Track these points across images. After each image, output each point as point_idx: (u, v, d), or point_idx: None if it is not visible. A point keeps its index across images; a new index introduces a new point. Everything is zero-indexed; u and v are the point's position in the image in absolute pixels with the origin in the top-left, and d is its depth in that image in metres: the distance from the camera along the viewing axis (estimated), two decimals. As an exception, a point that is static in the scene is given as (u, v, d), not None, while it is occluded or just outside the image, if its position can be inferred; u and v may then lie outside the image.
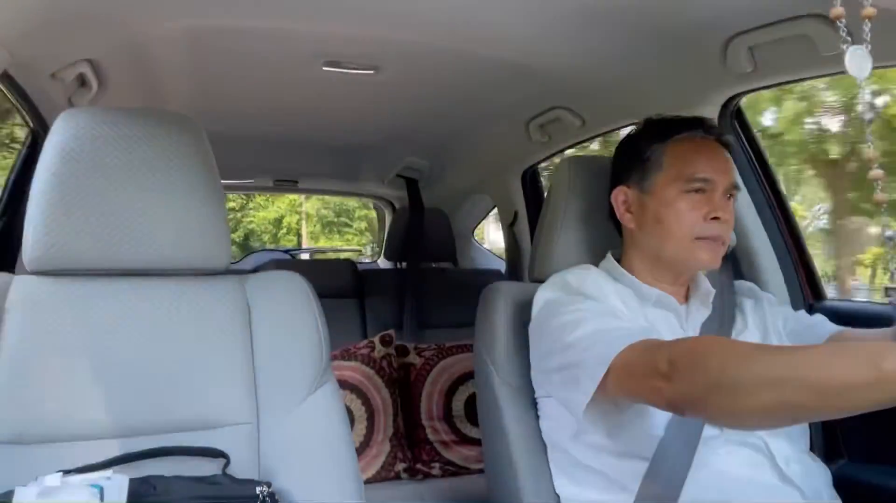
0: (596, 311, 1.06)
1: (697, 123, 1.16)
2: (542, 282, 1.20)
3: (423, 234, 2.58)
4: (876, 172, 0.49)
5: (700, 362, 0.82)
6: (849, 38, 0.51)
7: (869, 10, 0.50)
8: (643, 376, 0.88)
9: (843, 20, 0.50)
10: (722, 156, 1.14)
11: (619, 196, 1.19)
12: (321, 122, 2.17)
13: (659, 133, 1.16)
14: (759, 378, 0.73)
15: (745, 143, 1.52)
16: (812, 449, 1.13)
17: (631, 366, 0.91)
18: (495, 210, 2.76)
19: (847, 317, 1.20)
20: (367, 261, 4.11)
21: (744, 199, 1.49)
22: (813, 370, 0.69)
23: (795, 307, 1.39)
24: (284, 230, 13.57)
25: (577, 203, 1.28)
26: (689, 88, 1.40)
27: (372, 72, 1.60)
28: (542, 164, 2.41)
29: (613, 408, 1.02)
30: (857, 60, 0.51)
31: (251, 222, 14.48)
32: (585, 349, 0.99)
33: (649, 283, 1.15)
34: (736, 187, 1.14)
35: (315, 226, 13.31)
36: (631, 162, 1.18)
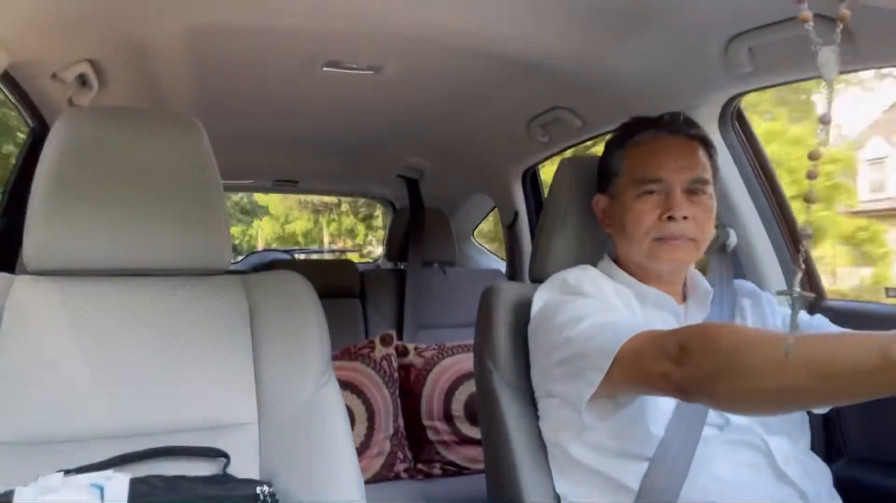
0: (596, 307, 1.06)
1: (656, 122, 1.16)
2: (541, 282, 1.20)
3: (424, 234, 2.59)
4: (812, 171, 0.50)
5: (710, 346, 0.82)
6: (819, 40, 0.51)
7: (844, 13, 0.50)
8: (652, 361, 0.88)
9: (812, 24, 0.51)
10: (681, 152, 1.13)
11: (599, 204, 1.22)
12: (321, 122, 2.18)
13: (621, 137, 1.18)
14: (768, 362, 0.73)
15: (746, 144, 1.52)
16: (812, 448, 1.12)
17: (639, 352, 0.91)
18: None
19: (847, 318, 1.19)
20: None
21: (743, 198, 1.49)
22: (821, 355, 0.69)
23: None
24: (247, 238, 16.60)
25: (577, 204, 1.28)
26: (690, 88, 1.41)
27: (372, 72, 1.60)
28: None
29: (614, 407, 1.02)
30: (827, 61, 0.52)
31: (228, 232, 17.86)
32: (589, 340, 0.99)
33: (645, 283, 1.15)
34: (701, 181, 1.12)
35: (269, 235, 16.63)
36: (602, 170, 1.21)
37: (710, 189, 1.14)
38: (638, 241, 1.12)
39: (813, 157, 0.51)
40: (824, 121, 0.51)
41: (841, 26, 0.50)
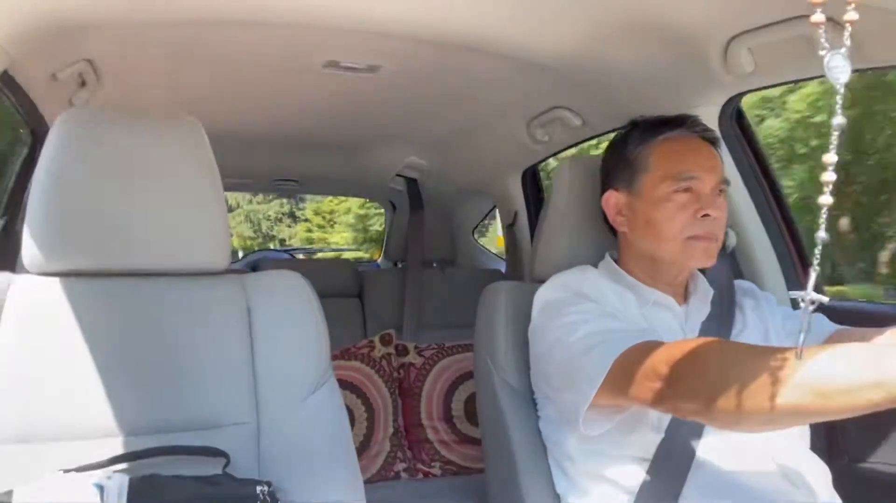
0: (595, 313, 1.06)
1: (681, 122, 1.16)
2: (542, 282, 1.20)
3: (423, 234, 2.59)
4: (828, 176, 0.50)
5: (700, 365, 0.82)
6: (827, 45, 0.51)
7: (850, 16, 0.50)
8: (643, 379, 0.88)
9: (824, 27, 0.51)
10: (708, 152, 1.14)
11: (610, 200, 1.19)
12: (321, 122, 2.17)
13: (644, 134, 1.17)
14: (760, 381, 0.72)
15: (745, 143, 1.52)
16: (812, 449, 1.12)
17: (630, 369, 0.91)
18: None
19: (846, 317, 1.19)
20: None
21: (743, 198, 1.49)
22: (814, 372, 0.69)
23: (795, 307, 1.39)
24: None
25: (577, 203, 1.28)
26: (690, 88, 1.40)
27: (371, 72, 1.60)
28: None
29: (613, 413, 1.02)
30: (836, 66, 0.51)
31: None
32: (585, 352, 0.99)
33: (647, 284, 1.15)
34: (725, 182, 1.14)
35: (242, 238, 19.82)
36: (618, 165, 1.18)
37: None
38: (671, 238, 1.10)
39: (828, 161, 0.50)
40: (836, 125, 0.51)
41: (849, 30, 0.50)
